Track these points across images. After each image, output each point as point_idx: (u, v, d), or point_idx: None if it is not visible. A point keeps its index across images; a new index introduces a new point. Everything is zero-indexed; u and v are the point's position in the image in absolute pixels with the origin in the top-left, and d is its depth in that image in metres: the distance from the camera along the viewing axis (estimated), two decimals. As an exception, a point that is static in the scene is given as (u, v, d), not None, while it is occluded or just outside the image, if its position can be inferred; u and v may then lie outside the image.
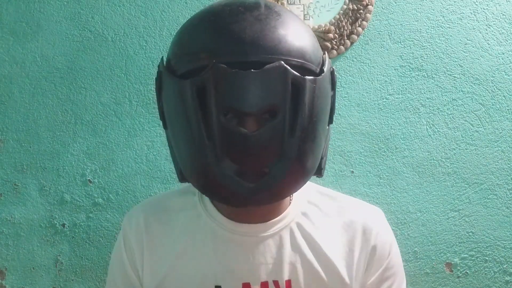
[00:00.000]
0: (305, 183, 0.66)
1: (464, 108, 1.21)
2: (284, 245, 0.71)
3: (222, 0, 0.65)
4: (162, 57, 0.67)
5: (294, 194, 0.74)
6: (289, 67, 0.58)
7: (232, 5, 0.62)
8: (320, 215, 0.74)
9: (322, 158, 0.67)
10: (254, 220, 0.71)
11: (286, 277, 0.70)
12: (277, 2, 1.16)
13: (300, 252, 0.71)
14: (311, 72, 0.61)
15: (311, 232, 0.72)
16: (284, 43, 0.59)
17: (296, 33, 0.61)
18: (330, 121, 0.68)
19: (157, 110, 1.18)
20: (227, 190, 0.61)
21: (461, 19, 1.21)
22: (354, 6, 1.17)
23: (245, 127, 0.59)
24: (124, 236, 0.76)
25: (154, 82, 0.68)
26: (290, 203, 0.74)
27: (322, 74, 0.62)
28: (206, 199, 0.74)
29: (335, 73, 0.68)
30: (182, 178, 0.67)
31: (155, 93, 1.20)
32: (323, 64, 0.64)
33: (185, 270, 0.71)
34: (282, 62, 0.57)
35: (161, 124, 1.24)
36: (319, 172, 0.68)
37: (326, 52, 0.68)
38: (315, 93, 0.60)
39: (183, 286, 0.71)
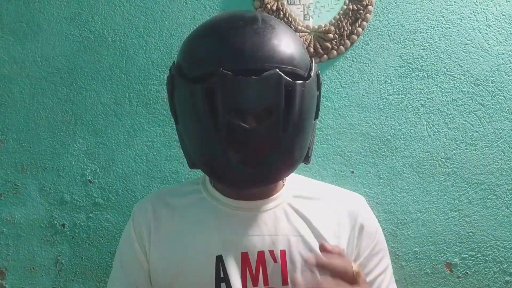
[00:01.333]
0: (295, 169, 0.78)
1: (464, 108, 1.21)
2: (279, 220, 0.81)
3: (224, 13, 0.77)
4: (174, 62, 0.77)
5: (286, 179, 0.86)
6: (282, 74, 0.69)
7: (233, 18, 0.73)
8: (309, 197, 0.85)
9: (309, 148, 0.79)
10: (251, 199, 0.81)
11: (280, 247, 0.79)
12: (277, 3, 1.16)
13: (293, 226, 0.81)
14: (300, 77, 0.72)
15: (303, 210, 0.83)
16: (278, 53, 0.70)
17: (287, 43, 0.72)
18: (316, 116, 0.79)
19: (157, 110, 1.19)
20: (231, 175, 0.73)
21: (461, 19, 1.21)
22: (354, 6, 1.17)
23: (246, 123, 0.69)
24: (134, 220, 0.85)
25: (166, 83, 0.78)
26: (283, 186, 0.85)
27: (310, 78, 0.73)
28: (209, 185, 0.86)
29: (320, 75, 0.79)
30: (192, 165, 0.78)
31: (156, 93, 1.21)
32: (310, 69, 0.75)
33: (190, 244, 0.80)
34: (277, 70, 0.68)
35: (161, 124, 1.24)
36: (306, 159, 0.79)
37: (312, 58, 0.79)
38: (304, 94, 0.72)
39: (188, 258, 0.79)
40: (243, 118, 0.70)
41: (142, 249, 0.82)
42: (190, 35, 0.77)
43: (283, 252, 0.79)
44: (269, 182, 0.77)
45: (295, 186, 0.86)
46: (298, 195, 0.85)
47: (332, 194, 0.88)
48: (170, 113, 0.79)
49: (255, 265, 0.78)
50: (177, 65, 0.76)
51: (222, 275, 0.78)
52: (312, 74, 0.75)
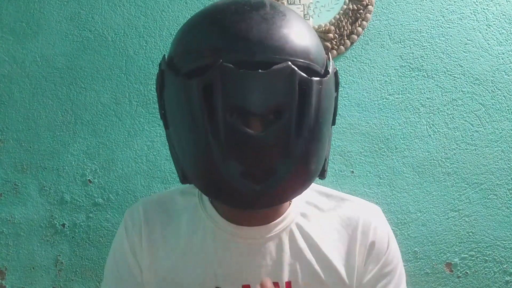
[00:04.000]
0: (309, 185, 0.64)
1: (464, 108, 1.21)
2: (284, 247, 0.70)
3: None
4: (164, 55, 0.66)
5: None
6: (296, 68, 0.57)
7: (237, 3, 0.60)
8: (318, 214, 0.74)
9: (325, 160, 0.66)
10: (255, 223, 0.70)
11: (286, 278, 0.70)
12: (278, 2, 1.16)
13: (300, 254, 0.71)
14: (316, 73, 0.61)
15: (310, 232, 0.72)
16: (290, 43, 0.58)
17: (301, 33, 0.60)
18: (333, 122, 0.67)
19: (157, 110, 1.18)
20: (232, 191, 0.59)
21: (461, 19, 1.21)
22: (354, 6, 1.17)
23: (250, 127, 0.57)
24: (126, 227, 0.75)
25: (155, 81, 0.67)
26: (289, 204, 0.73)
27: (328, 75, 0.61)
28: (206, 201, 0.74)
29: (338, 74, 0.67)
30: (184, 179, 0.65)
31: (155, 93, 1.20)
32: (327, 65, 0.64)
33: (186, 271, 0.71)
34: (290, 63, 0.56)
35: (161, 124, 1.23)
36: (322, 174, 0.66)
37: (329, 53, 0.67)
38: (321, 94, 0.59)
39: (184, 287, 0.71)
40: (247, 121, 0.58)
41: (134, 255, 0.74)
42: (185, 23, 0.64)
43: (288, 284, 0.70)
44: (279, 201, 0.63)
45: (303, 201, 0.75)
46: (306, 214, 0.73)
47: (344, 207, 0.75)
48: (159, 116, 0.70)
49: None
50: (168, 58, 0.64)
51: None
52: (329, 71, 0.62)
